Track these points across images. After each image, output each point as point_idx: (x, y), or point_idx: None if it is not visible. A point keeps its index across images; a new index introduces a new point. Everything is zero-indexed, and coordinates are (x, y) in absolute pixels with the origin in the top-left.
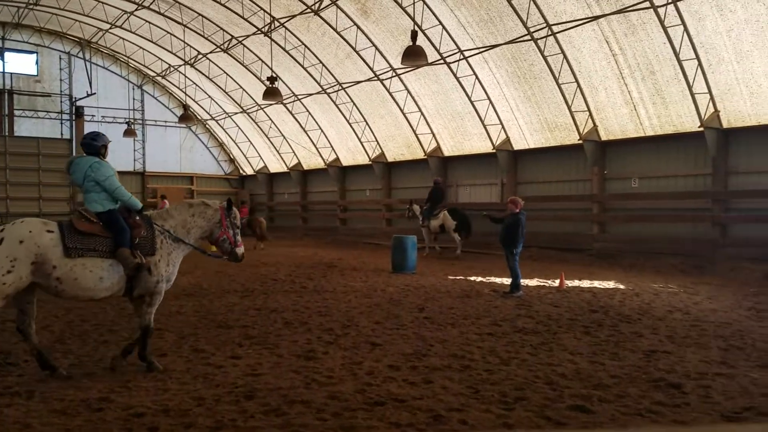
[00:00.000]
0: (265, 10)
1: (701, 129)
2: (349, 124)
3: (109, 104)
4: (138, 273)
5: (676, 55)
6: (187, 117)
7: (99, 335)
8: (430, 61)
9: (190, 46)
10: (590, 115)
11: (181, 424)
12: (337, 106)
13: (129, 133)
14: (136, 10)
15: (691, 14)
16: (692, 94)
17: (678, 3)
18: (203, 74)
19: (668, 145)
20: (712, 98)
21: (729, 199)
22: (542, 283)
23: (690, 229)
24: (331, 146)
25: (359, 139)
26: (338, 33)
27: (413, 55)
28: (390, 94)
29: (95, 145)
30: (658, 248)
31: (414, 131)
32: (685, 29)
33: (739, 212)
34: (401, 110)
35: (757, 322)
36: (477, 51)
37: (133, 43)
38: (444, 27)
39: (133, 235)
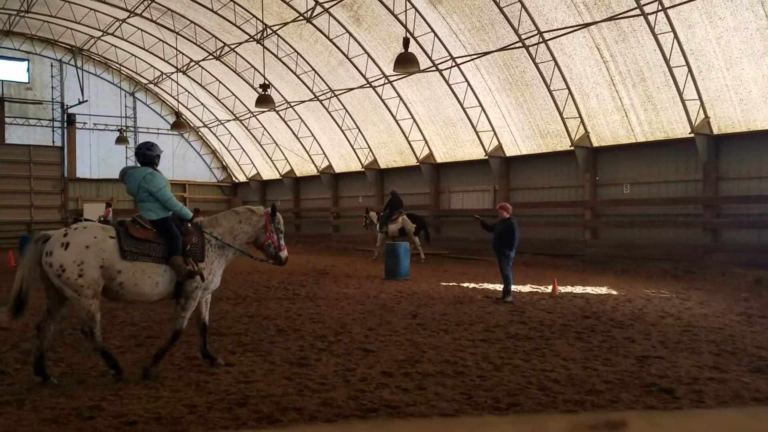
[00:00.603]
0: (257, 18)
1: (692, 135)
2: (342, 130)
3: (101, 112)
4: (190, 279)
5: (667, 61)
6: (179, 124)
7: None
8: (422, 68)
9: (183, 54)
10: (582, 121)
11: (173, 431)
12: (329, 113)
13: (121, 140)
14: (128, 17)
15: (681, 21)
16: (683, 101)
17: (668, 10)
18: (196, 81)
19: (659, 151)
20: (702, 105)
21: (720, 205)
22: (535, 289)
23: (681, 235)
24: (324, 153)
25: (352, 146)
26: (330, 40)
27: (405, 62)
28: (382, 101)
29: (150, 155)
30: (649, 254)
31: (406, 138)
32: (675, 36)
33: (729, 218)
34: (393, 117)
35: (748, 326)
36: (469, 58)
37: (125, 51)
38: (436, 34)
39: (185, 242)
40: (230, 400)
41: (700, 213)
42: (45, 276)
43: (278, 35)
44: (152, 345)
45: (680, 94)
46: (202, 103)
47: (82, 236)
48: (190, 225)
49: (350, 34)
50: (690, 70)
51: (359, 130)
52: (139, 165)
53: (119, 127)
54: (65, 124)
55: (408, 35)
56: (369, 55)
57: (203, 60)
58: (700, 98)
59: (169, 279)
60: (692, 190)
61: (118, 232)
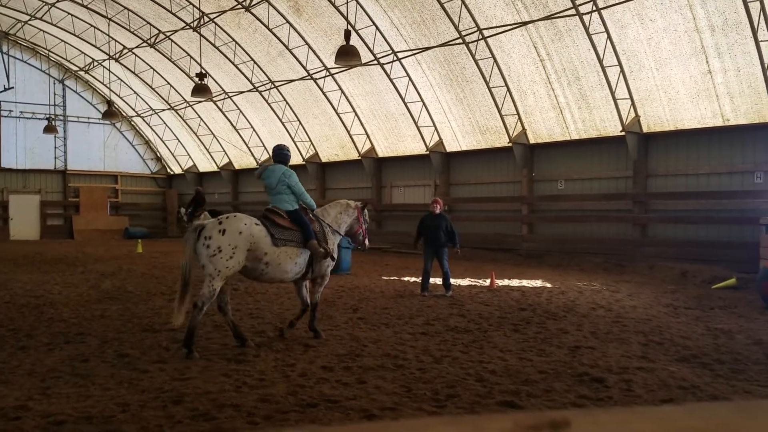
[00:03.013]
0: (194, 5)
1: (623, 133)
2: (282, 123)
3: (29, 99)
4: (324, 260)
5: (600, 61)
6: (111, 113)
7: (16, 341)
8: (363, 61)
9: (115, 41)
10: (519, 118)
11: (104, 431)
12: (269, 104)
13: (49, 129)
14: (57, 1)
15: (614, 22)
16: (615, 100)
17: (602, 11)
18: (129, 69)
19: (592, 148)
20: (633, 104)
21: (648, 201)
22: (474, 283)
23: (612, 229)
24: (264, 145)
25: (292, 139)
26: (270, 30)
27: (347, 55)
28: (324, 93)
29: (286, 155)
30: (582, 248)
31: (348, 132)
32: (609, 37)
33: (657, 213)
34: (335, 110)
35: (674, 318)
36: (410, 53)
37: (54, 36)
38: (377, 27)
39: (312, 229)
40: (165, 398)
41: (629, 209)
42: (192, 259)
43: (216, 23)
44: (82, 342)
45: (612, 93)
46: (135, 92)
47: (236, 223)
48: (311, 214)
49: (290, 25)
50: (622, 70)
51: (300, 122)
52: (273, 162)
53: (48, 116)
54: None
55: (349, 27)
56: (310, 47)
57: (137, 47)
58: (631, 97)
59: (304, 261)
60: (623, 187)
61: (264, 221)
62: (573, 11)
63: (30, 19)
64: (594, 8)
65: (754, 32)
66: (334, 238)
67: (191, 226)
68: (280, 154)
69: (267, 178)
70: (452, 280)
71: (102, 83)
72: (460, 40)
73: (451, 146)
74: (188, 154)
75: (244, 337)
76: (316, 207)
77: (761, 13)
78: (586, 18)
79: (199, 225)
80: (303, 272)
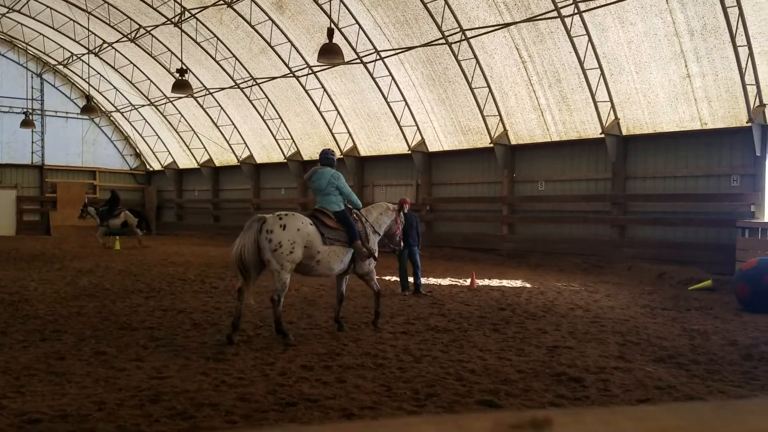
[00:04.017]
0: (175, 0)
1: (602, 135)
2: (264, 120)
3: (5, 93)
4: (367, 259)
5: (581, 64)
6: (90, 108)
7: None
8: (346, 59)
9: (95, 35)
10: (501, 119)
11: (80, 430)
12: (251, 101)
13: (27, 124)
14: None
15: (596, 25)
16: (595, 102)
17: (583, 14)
18: (108, 64)
19: (572, 150)
20: (612, 106)
21: (627, 203)
22: (454, 282)
23: (591, 231)
24: (245, 143)
25: (274, 137)
26: (252, 27)
27: (329, 53)
28: (306, 91)
29: (333, 159)
30: (561, 248)
31: (330, 130)
32: (590, 39)
33: (635, 215)
34: (317, 108)
35: (651, 318)
36: (393, 52)
37: (32, 29)
38: (361, 26)
39: (357, 229)
40: (142, 397)
41: (608, 210)
42: (256, 250)
43: (197, 19)
44: (58, 339)
45: (593, 95)
46: (114, 87)
47: (294, 221)
48: (355, 214)
49: (273, 22)
50: (602, 73)
51: (282, 120)
52: (320, 166)
53: (25, 110)
54: None
55: (332, 26)
56: (292, 44)
57: (117, 42)
58: (611, 100)
59: (348, 259)
60: (602, 188)
61: (314, 221)
62: (555, 14)
63: (8, 12)
64: (575, 11)
65: (732, 37)
66: (374, 238)
67: (104, 225)
68: (327, 158)
69: (317, 181)
70: (433, 280)
71: (81, 78)
72: (443, 41)
73: (433, 146)
74: (168, 151)
75: (238, 327)
76: (361, 204)
77: (739, 19)
78: (567, 21)
79: (261, 217)
80: (345, 269)
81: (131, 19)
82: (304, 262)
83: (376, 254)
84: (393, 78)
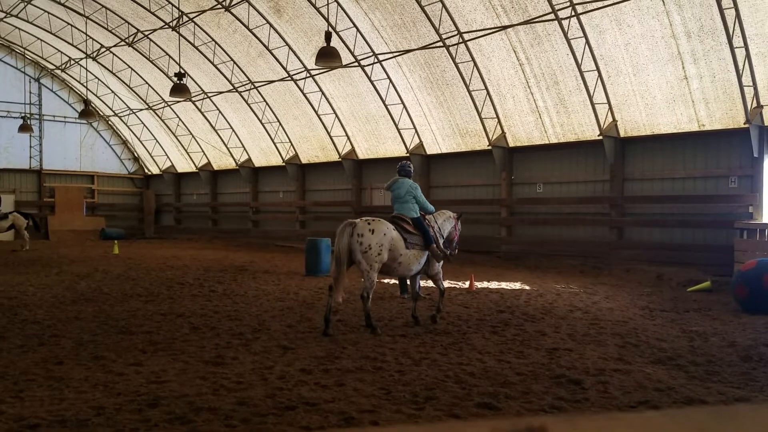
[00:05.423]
0: (173, 4)
1: (600, 137)
2: (262, 124)
3: (3, 97)
4: (440, 262)
5: (579, 66)
6: (88, 113)
7: None
8: (344, 63)
9: (93, 39)
10: (499, 121)
11: None
12: (249, 105)
13: (25, 128)
14: None
15: (593, 27)
16: (592, 104)
17: (581, 16)
18: (106, 68)
19: (570, 152)
20: (610, 108)
21: (624, 204)
22: (453, 285)
23: (589, 233)
24: (243, 146)
25: (272, 140)
26: (250, 30)
27: (327, 57)
28: (304, 94)
29: (410, 171)
30: (560, 250)
31: (328, 133)
32: (587, 42)
33: (633, 217)
34: (315, 112)
35: (650, 320)
36: (391, 55)
37: (30, 34)
38: (358, 29)
39: (432, 234)
40: (140, 401)
41: (606, 212)
42: (347, 250)
43: (195, 23)
44: (56, 344)
45: (590, 97)
46: (112, 91)
47: (381, 226)
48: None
49: (271, 25)
50: (600, 75)
51: (280, 123)
52: (399, 176)
53: (23, 114)
54: None
55: (330, 29)
56: (290, 48)
57: (115, 46)
58: (608, 102)
59: (424, 261)
60: (600, 190)
61: (396, 227)
62: (552, 16)
63: (5, 17)
64: (573, 13)
65: (729, 39)
66: (440, 242)
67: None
68: (405, 169)
69: (396, 190)
70: (432, 283)
71: (79, 82)
72: (440, 44)
73: (431, 149)
74: (166, 155)
75: (373, 325)
76: (433, 210)
77: (736, 20)
78: (564, 23)
79: (351, 222)
80: (420, 269)
81: (129, 23)
82: (387, 263)
83: (449, 255)
84: (391, 81)
